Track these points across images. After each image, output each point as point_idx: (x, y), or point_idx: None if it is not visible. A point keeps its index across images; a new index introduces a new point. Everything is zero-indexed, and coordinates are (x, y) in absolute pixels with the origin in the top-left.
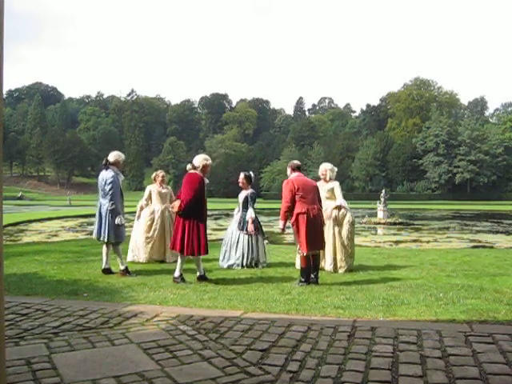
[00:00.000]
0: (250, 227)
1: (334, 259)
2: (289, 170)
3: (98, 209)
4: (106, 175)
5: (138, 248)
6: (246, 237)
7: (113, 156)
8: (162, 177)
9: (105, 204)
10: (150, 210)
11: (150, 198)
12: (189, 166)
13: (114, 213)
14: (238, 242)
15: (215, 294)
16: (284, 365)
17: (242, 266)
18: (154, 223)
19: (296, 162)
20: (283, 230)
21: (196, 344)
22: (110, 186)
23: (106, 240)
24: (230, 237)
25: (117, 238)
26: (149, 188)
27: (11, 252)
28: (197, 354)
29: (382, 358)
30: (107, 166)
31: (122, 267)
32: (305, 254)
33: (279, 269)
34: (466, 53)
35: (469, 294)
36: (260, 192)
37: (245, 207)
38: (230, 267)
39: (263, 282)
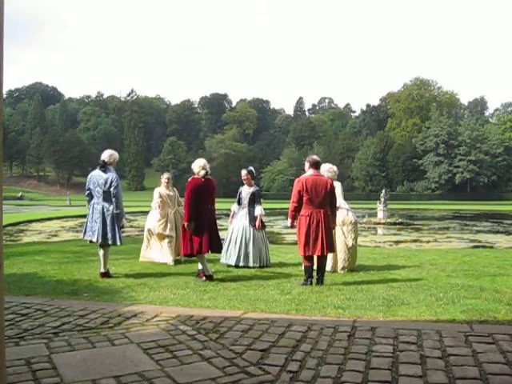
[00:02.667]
0: (258, 223)
1: (334, 260)
2: (306, 165)
3: (100, 211)
4: (108, 176)
5: (161, 250)
6: (260, 234)
7: (109, 155)
8: (167, 179)
9: (108, 206)
10: (162, 213)
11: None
12: (203, 173)
13: (119, 216)
14: (253, 238)
15: (215, 294)
16: (284, 365)
17: (260, 267)
18: (170, 225)
19: (315, 157)
20: (292, 227)
21: (196, 344)
22: (116, 190)
23: (117, 243)
24: (242, 234)
25: (120, 241)
26: (157, 190)
27: (11, 252)
28: (197, 353)
29: (382, 357)
30: (105, 167)
31: (104, 270)
32: (300, 256)
33: (279, 269)
34: (466, 53)
35: (469, 294)
36: (260, 192)
37: (251, 203)
38: (245, 267)
39: (263, 281)
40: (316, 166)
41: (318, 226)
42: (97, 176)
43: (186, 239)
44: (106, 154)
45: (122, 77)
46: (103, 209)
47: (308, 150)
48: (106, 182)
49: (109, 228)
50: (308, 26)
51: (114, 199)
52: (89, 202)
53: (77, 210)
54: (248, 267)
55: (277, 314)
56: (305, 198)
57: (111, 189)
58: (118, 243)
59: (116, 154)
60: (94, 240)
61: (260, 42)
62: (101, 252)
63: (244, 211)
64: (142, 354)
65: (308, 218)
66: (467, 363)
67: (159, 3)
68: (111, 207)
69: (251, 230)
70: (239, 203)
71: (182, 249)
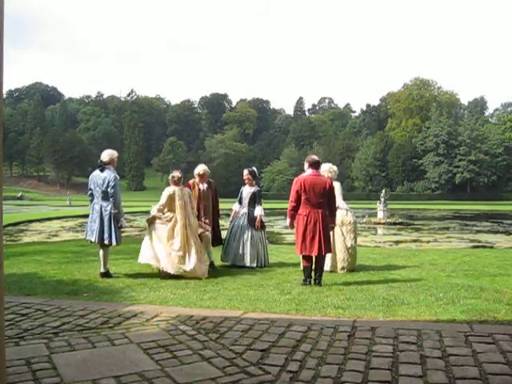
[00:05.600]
0: (258, 224)
1: (334, 260)
2: (306, 165)
3: (98, 211)
4: (106, 176)
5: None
6: (259, 234)
7: (107, 155)
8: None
9: (106, 206)
10: None
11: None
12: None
13: (117, 215)
14: (251, 238)
15: (215, 294)
16: (284, 365)
17: (258, 267)
18: None
19: (315, 157)
20: (291, 226)
21: (196, 344)
22: (113, 190)
23: (113, 243)
24: (240, 233)
25: (120, 241)
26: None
27: (11, 252)
28: (197, 353)
29: (382, 357)
30: (103, 166)
31: (104, 270)
32: (298, 255)
33: (279, 269)
34: (466, 53)
35: (469, 294)
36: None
37: (251, 203)
38: (243, 267)
39: (263, 281)
40: (315, 165)
41: (315, 226)
42: (96, 176)
43: None
44: (104, 154)
45: (122, 77)
46: (101, 208)
47: (308, 150)
48: (103, 182)
49: (106, 228)
50: (308, 26)
51: (111, 199)
52: (91, 201)
53: (77, 209)
54: (245, 267)
55: (277, 314)
56: (303, 198)
57: (108, 189)
58: (114, 243)
59: (115, 154)
60: (93, 240)
61: (260, 41)
62: (100, 252)
63: (244, 211)
64: (142, 354)
65: (305, 217)
66: (467, 363)
67: (159, 3)
68: (109, 207)
69: (249, 229)
70: (240, 203)
71: None
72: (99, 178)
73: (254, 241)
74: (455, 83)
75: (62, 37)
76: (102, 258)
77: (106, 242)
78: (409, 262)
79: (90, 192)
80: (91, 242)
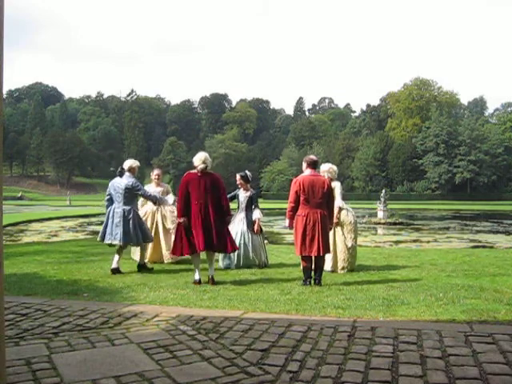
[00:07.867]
0: (257, 228)
1: (334, 260)
2: (304, 165)
3: (121, 215)
4: (126, 182)
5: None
6: (258, 237)
7: (128, 163)
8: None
9: (128, 210)
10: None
11: None
12: (202, 167)
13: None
14: (252, 242)
15: (215, 294)
16: (284, 365)
17: (257, 267)
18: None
19: (313, 156)
20: (290, 227)
21: (196, 344)
22: (142, 192)
23: (141, 243)
24: (240, 238)
25: (144, 239)
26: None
27: (11, 252)
28: (197, 353)
29: (381, 358)
30: (122, 173)
31: (116, 266)
32: (297, 256)
33: (279, 269)
34: (466, 53)
35: (469, 294)
36: (260, 192)
37: (248, 207)
38: (242, 267)
39: (263, 282)
40: (313, 165)
41: (314, 227)
42: (116, 182)
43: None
44: (126, 162)
45: (122, 77)
46: (124, 212)
47: (308, 150)
48: (125, 187)
49: (131, 230)
50: (308, 25)
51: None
52: (107, 206)
53: (77, 209)
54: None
55: (277, 314)
56: (301, 198)
57: (139, 192)
58: (142, 241)
59: (136, 163)
60: (116, 243)
61: (260, 41)
62: (116, 258)
63: (241, 215)
64: (142, 354)
65: (304, 218)
66: (467, 363)
67: (159, 3)
68: (132, 210)
69: (249, 234)
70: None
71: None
72: (119, 183)
73: (254, 245)
74: (455, 83)
75: (62, 37)
76: (116, 257)
77: (134, 242)
78: (409, 262)
79: (107, 197)
80: (110, 245)
